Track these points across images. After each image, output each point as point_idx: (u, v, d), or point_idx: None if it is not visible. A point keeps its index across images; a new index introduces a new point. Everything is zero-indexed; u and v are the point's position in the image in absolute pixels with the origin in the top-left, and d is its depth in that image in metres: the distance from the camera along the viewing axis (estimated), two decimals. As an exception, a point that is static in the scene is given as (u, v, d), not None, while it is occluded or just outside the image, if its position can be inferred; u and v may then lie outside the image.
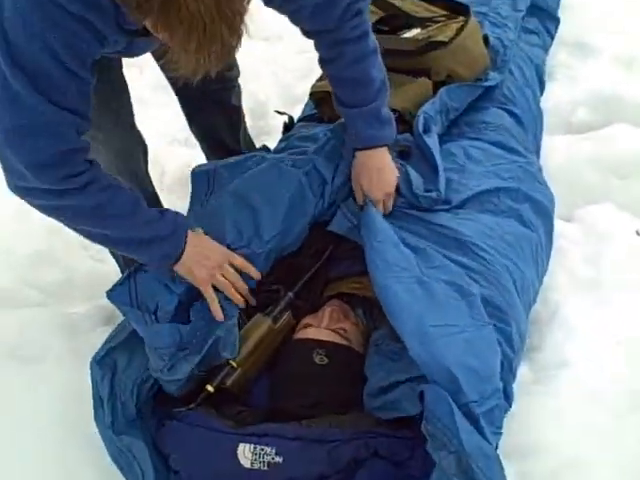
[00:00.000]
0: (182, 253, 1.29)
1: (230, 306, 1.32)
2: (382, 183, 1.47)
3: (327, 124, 1.74)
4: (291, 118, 1.91)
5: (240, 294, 1.34)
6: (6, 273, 1.74)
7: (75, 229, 1.26)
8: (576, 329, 1.49)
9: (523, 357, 1.47)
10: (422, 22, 1.87)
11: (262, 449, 1.16)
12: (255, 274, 1.37)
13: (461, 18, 1.85)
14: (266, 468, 1.15)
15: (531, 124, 1.90)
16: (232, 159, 1.58)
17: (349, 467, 1.15)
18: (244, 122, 1.99)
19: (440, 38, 1.76)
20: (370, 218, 1.38)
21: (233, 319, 1.30)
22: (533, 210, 1.58)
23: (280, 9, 1.27)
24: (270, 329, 1.33)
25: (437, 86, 1.77)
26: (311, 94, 1.87)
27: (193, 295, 1.35)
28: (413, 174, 1.51)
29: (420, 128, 1.60)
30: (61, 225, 1.56)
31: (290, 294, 1.39)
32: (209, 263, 1.32)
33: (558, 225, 1.74)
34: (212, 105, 1.80)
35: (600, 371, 1.41)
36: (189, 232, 1.32)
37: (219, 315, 1.30)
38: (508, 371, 1.27)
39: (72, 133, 1.11)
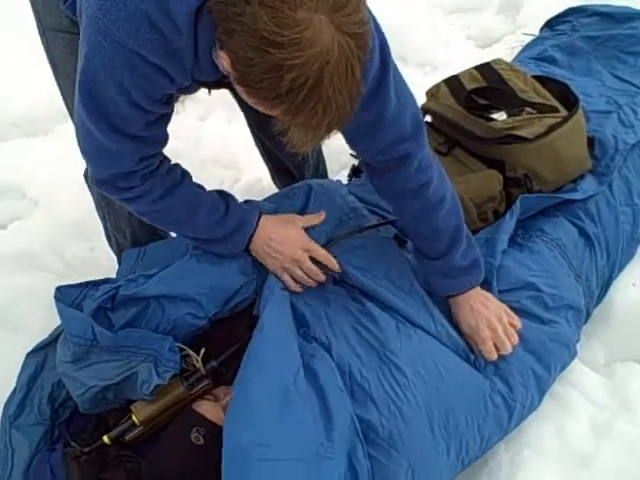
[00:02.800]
0: (248, 245, 1.36)
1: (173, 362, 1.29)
2: (481, 317, 1.35)
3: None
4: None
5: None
6: (40, 238, 1.85)
7: None
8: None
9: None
10: (519, 106, 1.67)
11: None
12: (336, 267, 1.38)
13: (561, 114, 1.62)
14: None
15: (611, 250, 1.63)
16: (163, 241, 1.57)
17: None
18: (314, 157, 1.87)
19: (522, 133, 1.57)
20: (273, 302, 1.30)
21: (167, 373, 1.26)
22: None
23: None
24: (182, 395, 1.27)
25: (510, 182, 1.59)
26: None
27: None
28: None
29: None
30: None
31: (214, 363, 1.31)
32: (282, 257, 1.35)
33: (582, 371, 1.55)
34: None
35: None
36: (260, 225, 1.36)
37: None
38: None
39: (129, 159, 1.18)
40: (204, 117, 2.37)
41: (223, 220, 1.33)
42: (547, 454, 1.41)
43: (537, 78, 1.78)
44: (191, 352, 1.31)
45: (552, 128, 1.58)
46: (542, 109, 1.64)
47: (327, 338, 1.30)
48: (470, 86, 1.75)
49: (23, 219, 1.95)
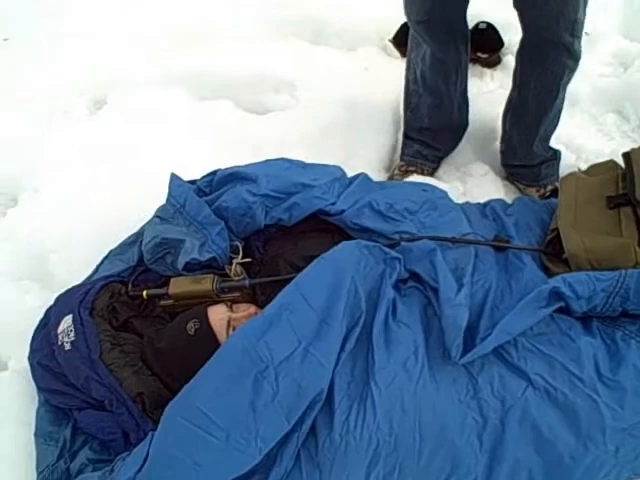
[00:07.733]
0: None
1: (217, 246, 1.42)
2: None
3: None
4: None
5: None
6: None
7: None
8: None
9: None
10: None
11: (71, 330, 1.28)
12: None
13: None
14: (59, 343, 1.28)
15: None
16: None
17: (96, 401, 1.25)
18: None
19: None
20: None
21: (207, 253, 1.40)
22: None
23: None
24: (209, 293, 1.36)
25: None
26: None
27: None
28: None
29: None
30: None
31: (246, 282, 1.39)
32: None
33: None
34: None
35: None
36: None
37: None
38: None
39: None
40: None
41: None
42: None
43: None
44: (240, 250, 1.45)
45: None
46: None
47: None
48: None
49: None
